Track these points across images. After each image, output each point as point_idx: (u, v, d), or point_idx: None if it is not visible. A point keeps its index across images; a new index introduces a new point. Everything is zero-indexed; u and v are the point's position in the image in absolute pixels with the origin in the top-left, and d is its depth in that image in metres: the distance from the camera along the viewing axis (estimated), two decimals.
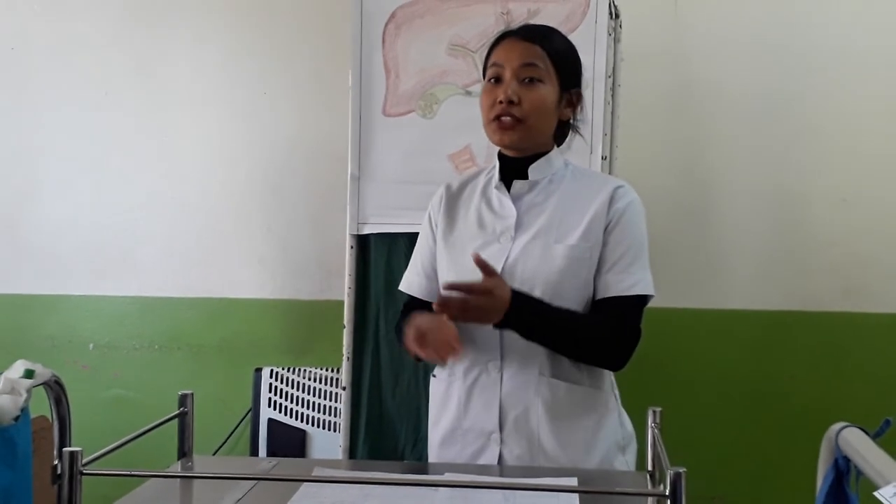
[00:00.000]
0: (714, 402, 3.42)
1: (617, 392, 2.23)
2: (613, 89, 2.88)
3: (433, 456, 2.26)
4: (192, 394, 2.07)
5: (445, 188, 2.34)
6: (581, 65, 2.24)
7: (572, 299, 2.12)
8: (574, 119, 2.25)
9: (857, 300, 3.40)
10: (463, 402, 2.21)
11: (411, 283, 2.35)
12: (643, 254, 2.16)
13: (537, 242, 2.16)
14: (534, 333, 2.07)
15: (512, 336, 2.12)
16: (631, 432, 2.24)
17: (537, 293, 2.11)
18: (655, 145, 3.44)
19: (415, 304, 2.32)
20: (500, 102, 2.13)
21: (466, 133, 2.92)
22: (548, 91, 2.15)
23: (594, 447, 2.13)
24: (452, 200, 2.31)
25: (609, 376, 2.21)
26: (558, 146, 2.27)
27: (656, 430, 1.90)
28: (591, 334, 2.10)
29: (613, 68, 2.87)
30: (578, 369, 2.15)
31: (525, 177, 2.21)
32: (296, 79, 3.63)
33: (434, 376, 2.31)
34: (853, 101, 3.42)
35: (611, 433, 2.17)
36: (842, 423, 1.75)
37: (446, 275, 2.24)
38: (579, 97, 2.23)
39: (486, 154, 2.92)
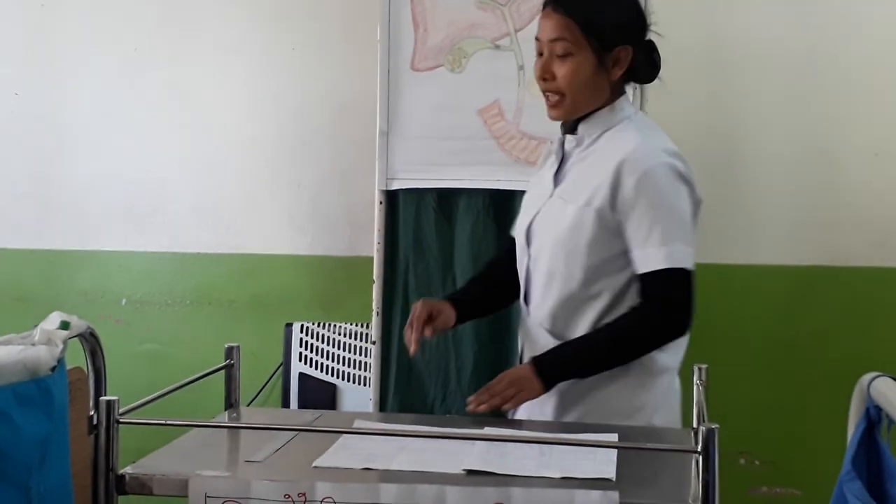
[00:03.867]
0: (742, 358, 3.41)
1: (654, 360, 2.20)
2: None
3: None
4: (238, 346, 2.09)
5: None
6: (627, 17, 2.23)
7: (581, 260, 2.16)
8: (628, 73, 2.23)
9: (887, 254, 3.37)
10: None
11: (515, 225, 2.41)
12: (672, 226, 2.13)
13: (557, 202, 2.23)
14: (584, 371, 2.16)
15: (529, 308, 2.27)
16: (659, 397, 2.23)
17: (547, 252, 2.20)
18: (685, 99, 3.39)
19: (507, 244, 2.42)
20: (542, 80, 2.21)
21: (495, 88, 2.92)
22: (580, 62, 2.17)
23: (610, 413, 2.16)
24: (547, 152, 2.37)
25: None
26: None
27: (701, 388, 1.90)
28: (631, 334, 2.15)
29: None
30: None
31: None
32: (324, 34, 3.62)
33: None
34: (885, 54, 3.37)
35: (627, 398, 2.19)
36: (874, 373, 1.75)
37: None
38: (628, 53, 2.20)
39: (515, 109, 2.91)
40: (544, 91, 2.21)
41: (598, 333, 2.16)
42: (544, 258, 2.22)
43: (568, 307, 2.19)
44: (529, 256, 2.26)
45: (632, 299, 2.17)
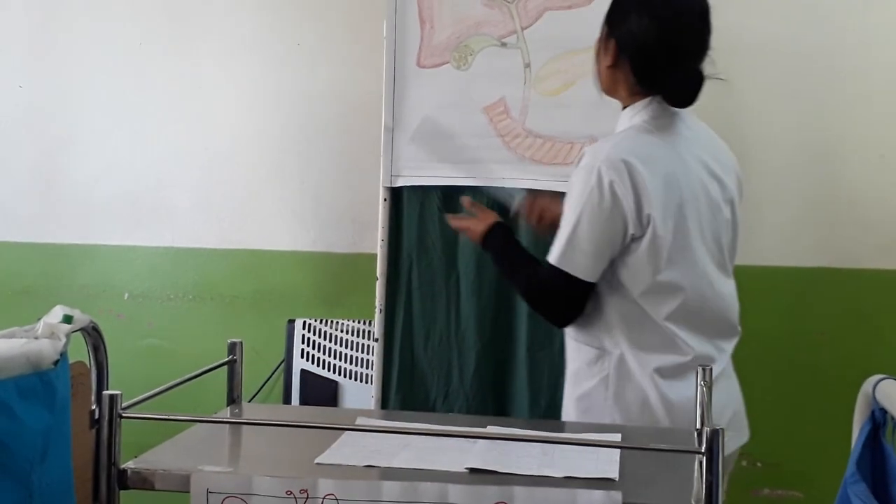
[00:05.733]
0: (745, 359, 3.39)
1: (628, 358, 2.20)
2: None
3: None
4: (241, 342, 2.08)
5: None
6: (625, 8, 2.19)
7: None
8: (614, 67, 2.20)
9: (892, 257, 3.36)
10: None
11: None
12: (566, 224, 2.15)
13: None
14: (496, 261, 2.40)
15: None
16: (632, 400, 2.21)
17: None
18: None
19: None
20: None
21: (501, 85, 2.90)
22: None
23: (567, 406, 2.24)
24: None
25: (608, 339, 2.21)
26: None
27: (704, 388, 1.89)
28: (526, 284, 2.27)
29: None
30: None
31: None
32: (330, 30, 3.61)
33: None
34: (891, 55, 3.36)
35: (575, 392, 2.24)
36: (880, 376, 1.75)
37: None
38: (613, 48, 2.18)
39: (521, 107, 2.90)
40: None
41: (527, 261, 2.29)
42: None
43: None
44: None
45: (613, 302, 2.19)
